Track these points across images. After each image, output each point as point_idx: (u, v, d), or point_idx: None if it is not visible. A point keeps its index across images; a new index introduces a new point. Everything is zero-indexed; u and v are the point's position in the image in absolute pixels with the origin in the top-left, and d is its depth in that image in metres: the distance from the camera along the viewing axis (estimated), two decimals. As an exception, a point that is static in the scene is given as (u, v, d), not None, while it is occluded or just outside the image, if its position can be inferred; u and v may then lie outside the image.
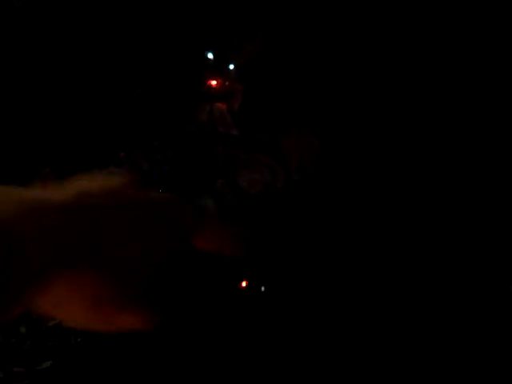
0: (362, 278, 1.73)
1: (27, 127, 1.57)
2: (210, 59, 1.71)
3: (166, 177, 1.65)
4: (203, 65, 1.72)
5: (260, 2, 1.67)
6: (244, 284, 1.73)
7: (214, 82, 1.71)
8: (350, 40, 1.70)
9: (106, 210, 0.46)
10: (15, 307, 0.40)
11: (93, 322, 0.46)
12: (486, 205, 1.79)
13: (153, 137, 1.65)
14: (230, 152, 1.71)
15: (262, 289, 1.77)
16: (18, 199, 0.42)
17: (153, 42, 1.73)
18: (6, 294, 0.39)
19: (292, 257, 1.77)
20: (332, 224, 1.77)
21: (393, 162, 1.80)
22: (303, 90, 1.73)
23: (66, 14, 1.61)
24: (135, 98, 1.67)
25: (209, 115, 1.72)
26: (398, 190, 1.79)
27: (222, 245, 0.55)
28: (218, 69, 1.71)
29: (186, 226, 0.52)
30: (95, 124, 1.62)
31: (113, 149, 1.58)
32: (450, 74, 1.75)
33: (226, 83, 1.71)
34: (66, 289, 0.43)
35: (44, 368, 1.50)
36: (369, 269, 1.75)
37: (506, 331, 1.69)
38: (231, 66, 1.71)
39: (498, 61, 1.75)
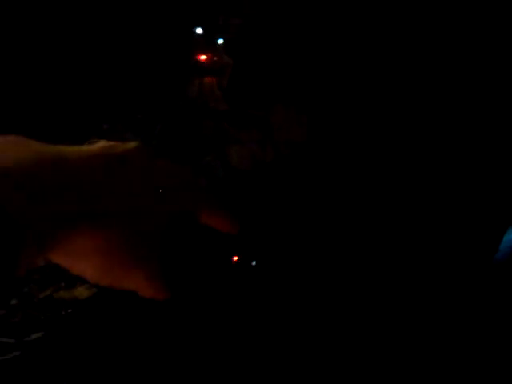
0: (350, 253, 1.74)
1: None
2: (198, 34, 1.72)
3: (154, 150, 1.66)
4: (192, 40, 1.73)
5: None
6: (235, 258, 1.75)
7: (203, 57, 1.71)
8: (340, 14, 1.69)
9: (120, 169, 0.48)
10: (38, 256, 0.42)
11: (105, 277, 0.47)
12: (483, 204, 1.78)
13: (138, 110, 1.66)
14: (219, 127, 1.71)
15: (253, 263, 1.78)
16: (39, 151, 0.43)
17: (142, 17, 1.73)
18: (28, 243, 0.40)
19: (282, 232, 1.78)
20: (322, 199, 1.77)
21: (383, 135, 1.80)
22: (291, 64, 1.73)
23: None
24: (123, 70, 1.67)
25: (198, 90, 1.72)
26: (390, 163, 1.79)
27: (220, 221, 0.57)
28: (206, 43, 1.72)
29: (193, 198, 0.54)
30: (80, 94, 1.62)
31: (96, 120, 1.59)
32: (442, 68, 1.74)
33: (215, 58, 1.72)
34: (84, 241, 0.44)
35: (34, 339, 1.52)
36: (358, 243, 1.75)
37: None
38: (220, 41, 1.71)
39: (498, 61, 1.73)
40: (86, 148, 0.47)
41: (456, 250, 1.76)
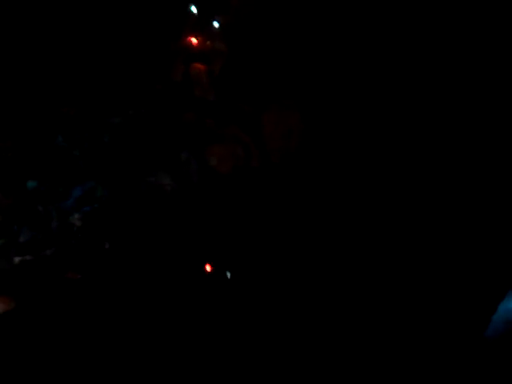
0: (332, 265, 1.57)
1: None
2: (192, 13, 1.51)
3: (105, 148, 1.44)
4: (184, 19, 1.52)
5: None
6: (208, 268, 1.58)
7: (194, 40, 1.50)
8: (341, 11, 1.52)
9: None
10: None
11: None
12: (484, 205, 1.62)
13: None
14: (201, 121, 1.49)
15: (228, 274, 1.59)
16: None
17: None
18: None
19: (260, 242, 1.58)
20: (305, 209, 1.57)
21: (383, 153, 1.62)
22: (293, 60, 1.53)
23: None
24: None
25: (184, 75, 1.51)
26: (391, 180, 1.62)
27: None
28: (200, 25, 1.51)
29: None
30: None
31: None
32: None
33: (208, 42, 1.51)
34: None
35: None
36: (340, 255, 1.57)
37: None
38: (215, 24, 1.50)
39: (498, 61, 1.62)
40: None
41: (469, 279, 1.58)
